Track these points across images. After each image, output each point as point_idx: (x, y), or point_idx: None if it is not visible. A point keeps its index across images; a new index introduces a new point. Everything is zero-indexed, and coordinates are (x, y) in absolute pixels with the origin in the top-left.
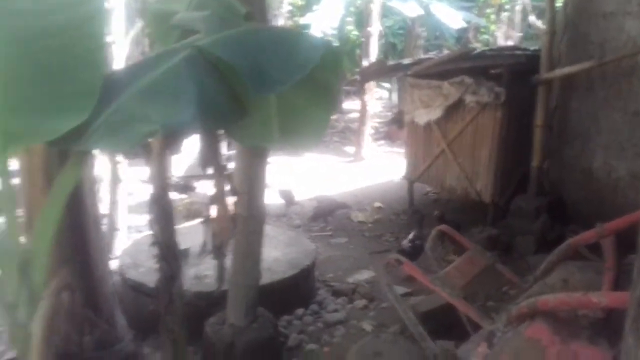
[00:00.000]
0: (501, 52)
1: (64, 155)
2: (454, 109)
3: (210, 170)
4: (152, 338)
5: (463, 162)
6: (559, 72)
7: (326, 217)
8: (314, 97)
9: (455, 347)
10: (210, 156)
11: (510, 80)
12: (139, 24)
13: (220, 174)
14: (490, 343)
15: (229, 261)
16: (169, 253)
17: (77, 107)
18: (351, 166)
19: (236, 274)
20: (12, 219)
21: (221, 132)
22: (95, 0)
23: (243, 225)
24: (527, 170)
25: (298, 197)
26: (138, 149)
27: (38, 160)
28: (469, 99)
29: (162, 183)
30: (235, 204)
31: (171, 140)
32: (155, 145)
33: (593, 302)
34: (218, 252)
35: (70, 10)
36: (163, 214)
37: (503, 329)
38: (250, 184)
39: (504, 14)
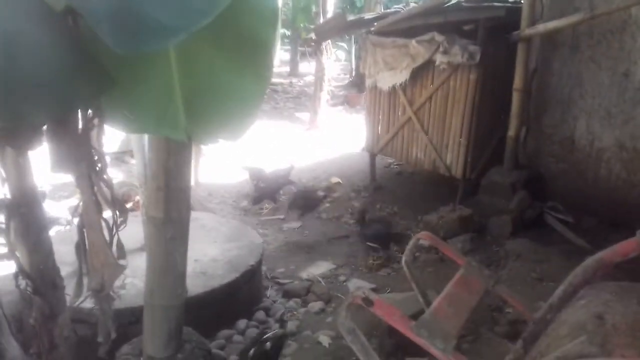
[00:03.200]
0: (478, 4)
1: None
2: (422, 71)
3: (73, 175)
4: None
5: (431, 131)
6: (542, 27)
7: (273, 196)
8: (239, 60)
9: None
10: (66, 155)
11: (487, 37)
12: None
13: (91, 182)
14: None
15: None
16: (44, 283)
17: None
18: (306, 135)
19: (152, 294)
20: None
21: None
22: None
23: (158, 232)
24: (502, 140)
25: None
26: None
27: None
28: (440, 59)
29: (24, 188)
30: (147, 203)
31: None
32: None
33: None
34: (98, 296)
35: None
36: (28, 231)
37: None
38: (168, 176)
39: None
